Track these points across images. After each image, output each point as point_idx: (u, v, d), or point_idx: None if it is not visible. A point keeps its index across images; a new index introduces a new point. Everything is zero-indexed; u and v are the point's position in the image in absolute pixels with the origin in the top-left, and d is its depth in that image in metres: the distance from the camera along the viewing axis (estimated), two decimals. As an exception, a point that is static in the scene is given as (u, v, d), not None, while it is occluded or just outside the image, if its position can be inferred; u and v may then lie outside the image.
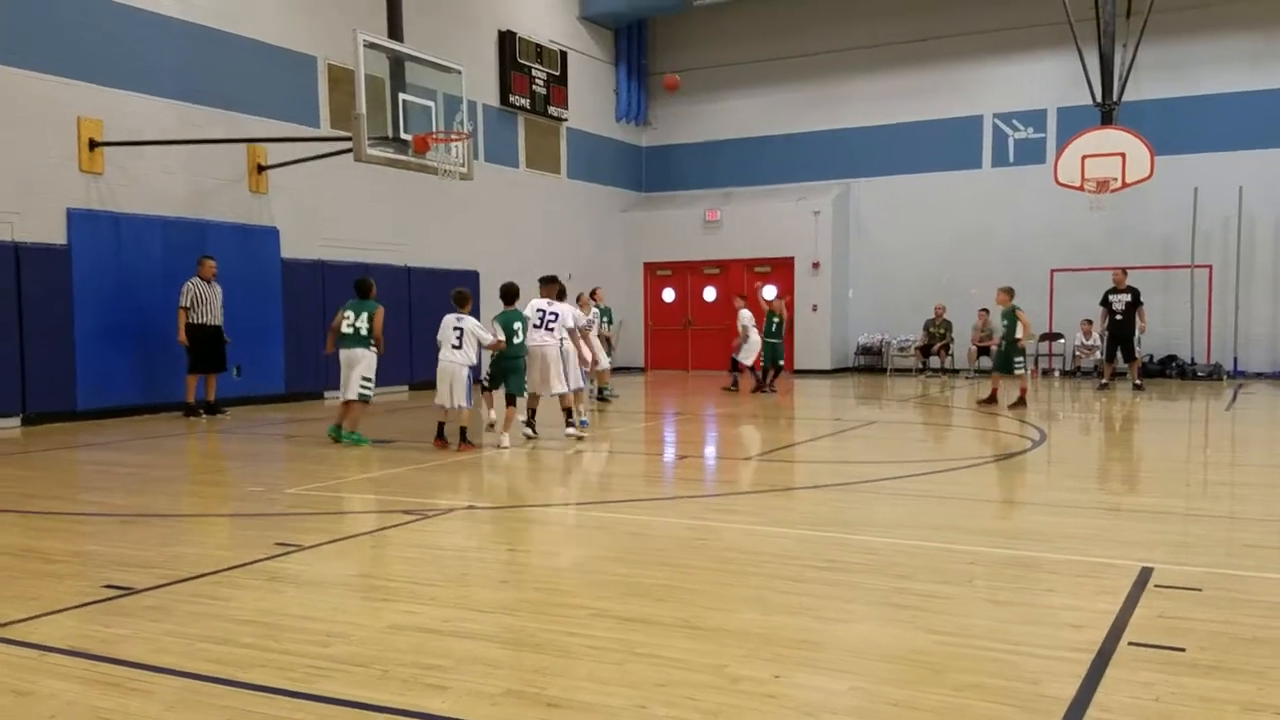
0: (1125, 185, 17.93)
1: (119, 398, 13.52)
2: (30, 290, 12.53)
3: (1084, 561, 5.54)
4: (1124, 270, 18.13)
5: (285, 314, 15.66)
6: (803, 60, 23.27)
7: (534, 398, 10.95)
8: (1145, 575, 5.13)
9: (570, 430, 10.96)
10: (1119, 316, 17.62)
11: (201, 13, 14.66)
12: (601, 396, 15.50)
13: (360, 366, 10.70)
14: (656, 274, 24.56)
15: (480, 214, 19.59)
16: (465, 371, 10.21)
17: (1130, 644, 4.09)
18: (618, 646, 4.12)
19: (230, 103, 15.01)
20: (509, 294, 10.73)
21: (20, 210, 12.54)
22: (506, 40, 20.56)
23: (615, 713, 3.46)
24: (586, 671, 3.85)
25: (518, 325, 10.58)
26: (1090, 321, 19.53)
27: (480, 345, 10.41)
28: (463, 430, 10.26)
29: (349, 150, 12.45)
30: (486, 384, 11.03)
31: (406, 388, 17.55)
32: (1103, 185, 17.98)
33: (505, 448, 10.32)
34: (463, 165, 13.45)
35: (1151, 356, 19.83)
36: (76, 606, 4.76)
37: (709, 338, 23.92)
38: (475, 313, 11.31)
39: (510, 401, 10.76)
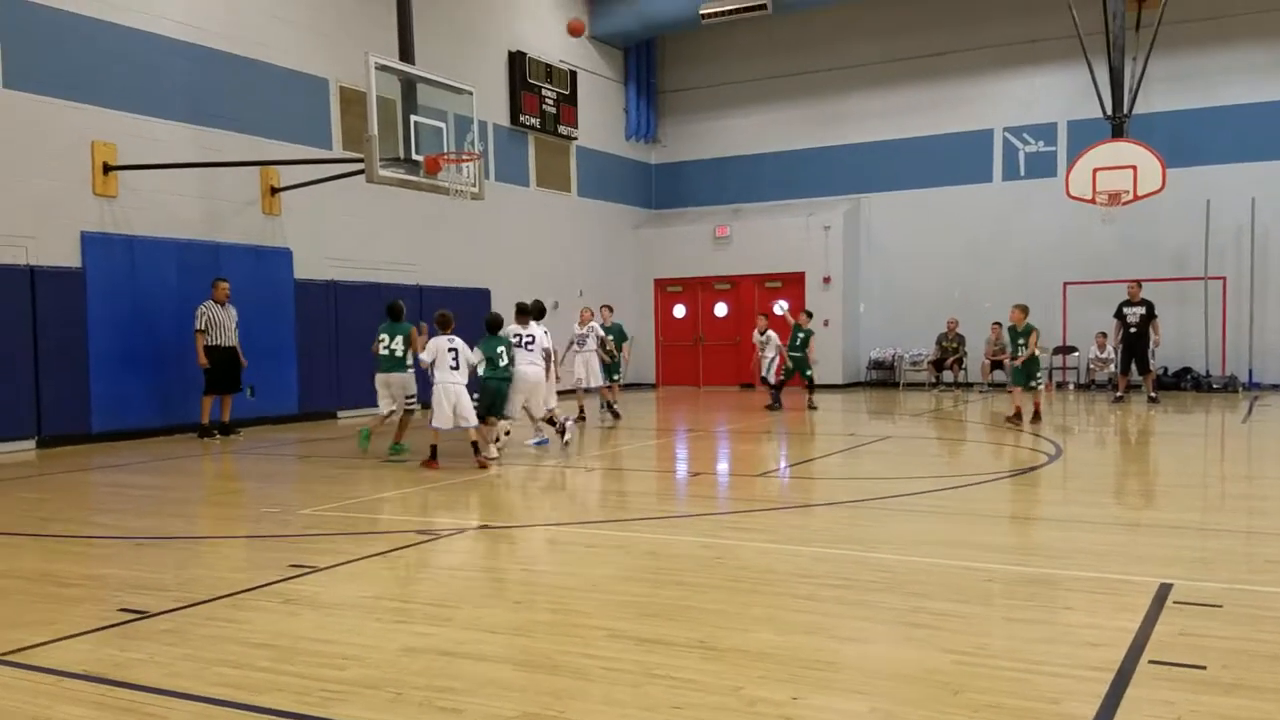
0: (1137, 198, 17.87)
1: (133, 420, 13.57)
2: (45, 313, 12.60)
3: (1102, 578, 5.50)
4: (1138, 283, 18.07)
5: (298, 334, 15.72)
6: (812, 76, 23.32)
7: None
8: (1164, 592, 5.09)
9: (567, 437, 11.66)
10: (1133, 329, 17.55)
11: (214, 37, 14.78)
12: (614, 412, 15.49)
13: (396, 387, 11.37)
14: (667, 290, 24.57)
15: (491, 233, 19.65)
16: (465, 391, 10.41)
17: (1150, 662, 4.05)
18: (633, 668, 4.10)
19: (243, 126, 15.11)
20: (493, 324, 11.19)
21: (35, 234, 12.63)
22: (516, 60, 20.66)
23: (631, 736, 3.43)
24: (602, 694, 3.83)
25: (501, 349, 11.01)
26: (1104, 334, 19.45)
27: (470, 365, 10.62)
28: (475, 445, 10.35)
29: (361, 172, 12.50)
30: (482, 414, 11.15)
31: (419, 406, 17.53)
32: (1114, 198, 17.92)
33: (494, 458, 10.69)
34: (474, 185, 13.50)
35: (1166, 369, 19.73)
36: (91, 631, 4.76)
37: (720, 353, 23.90)
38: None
39: (484, 420, 11.01)
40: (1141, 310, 17.57)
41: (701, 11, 21.84)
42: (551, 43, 21.84)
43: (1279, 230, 19.46)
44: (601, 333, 15.43)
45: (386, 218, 17.19)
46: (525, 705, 3.73)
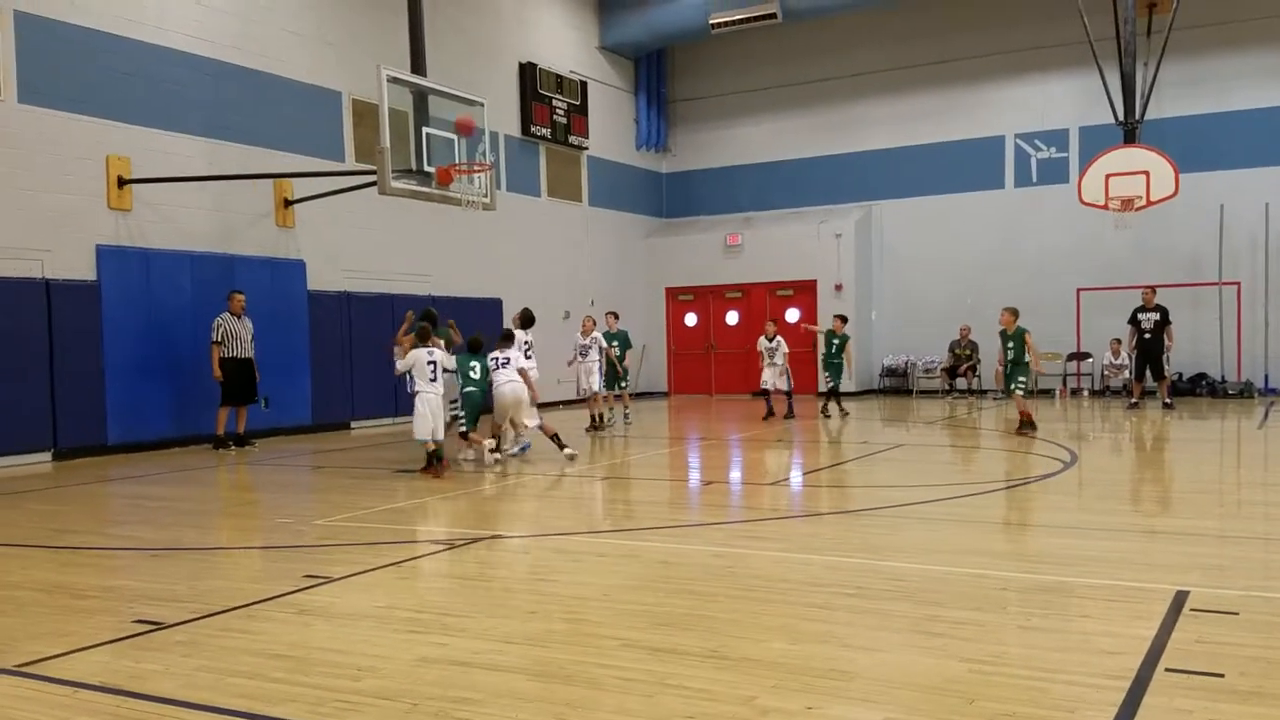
0: (1150, 203, 17.80)
1: (149, 431, 13.64)
2: (61, 326, 12.69)
3: (1118, 586, 5.47)
4: (1153, 289, 18.00)
5: (312, 346, 15.79)
6: (822, 84, 23.34)
7: (495, 425, 11.78)
8: (1181, 599, 5.06)
9: (568, 450, 11.66)
10: (1148, 335, 17.48)
11: (228, 50, 14.89)
12: (600, 423, 15.35)
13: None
14: (678, 299, 24.58)
15: (503, 243, 19.70)
16: (443, 401, 10.68)
17: (1167, 670, 4.03)
18: (647, 678, 4.09)
19: (257, 139, 15.21)
20: (473, 346, 11.43)
21: (51, 247, 12.73)
22: (527, 71, 20.74)
23: (645, 745, 3.43)
24: (616, 704, 3.83)
25: (474, 364, 11.26)
26: (1119, 340, 19.36)
27: (446, 372, 10.83)
28: (437, 455, 10.57)
29: (374, 183, 12.56)
30: (464, 428, 11.33)
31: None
32: (1127, 204, 17.85)
33: (496, 454, 11.36)
34: (485, 196, 13.54)
35: (1181, 375, 19.63)
36: (107, 642, 4.78)
37: (732, 361, 23.89)
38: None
39: (465, 436, 11.42)
40: (1156, 316, 17.50)
41: (711, 21, 21.89)
42: (562, 53, 21.93)
43: (1293, 235, 19.37)
44: (604, 342, 15.37)
45: (399, 229, 17.26)
46: (540, 715, 3.73)
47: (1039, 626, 4.78)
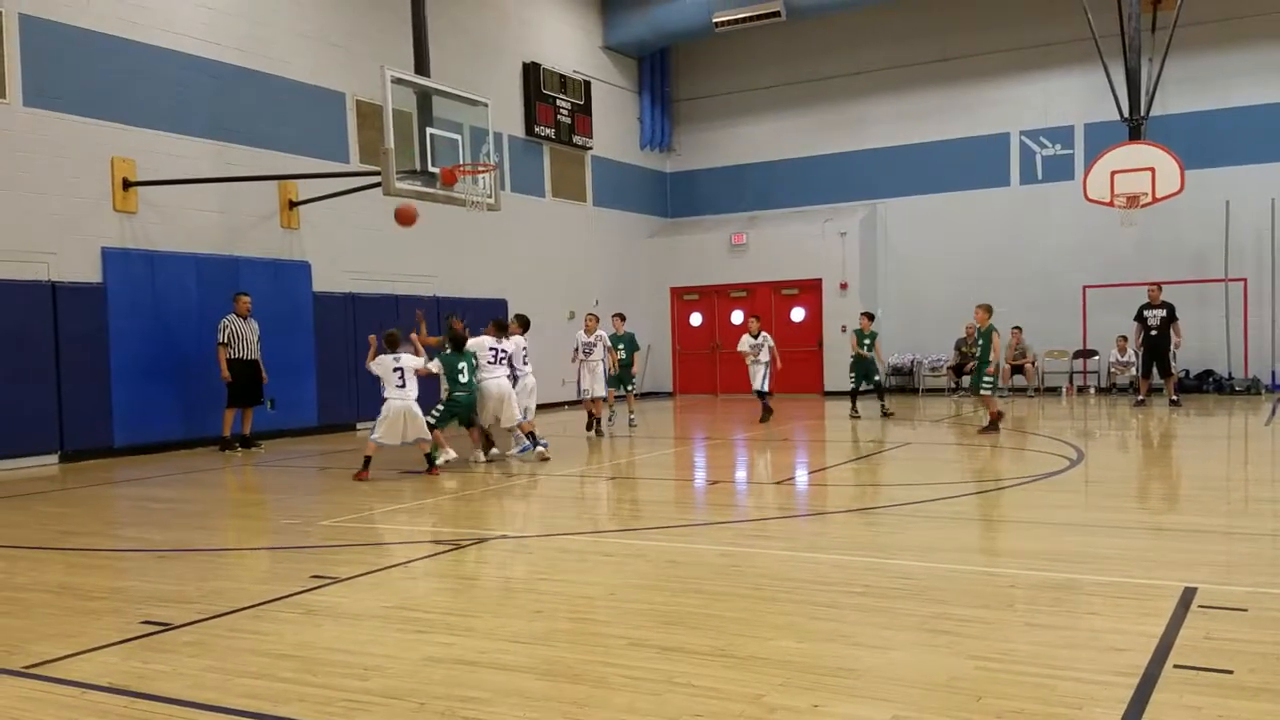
0: (1155, 200, 17.77)
1: (155, 433, 13.67)
2: (66, 328, 12.72)
3: (1126, 583, 5.46)
4: (1159, 285, 17.97)
5: (317, 347, 15.81)
6: (826, 82, 23.31)
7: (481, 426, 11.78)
8: (1189, 596, 5.04)
9: (539, 448, 11.70)
10: (1154, 332, 17.45)
11: (232, 53, 14.91)
12: (598, 430, 14.97)
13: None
14: (683, 299, 24.57)
15: (508, 243, 19.71)
16: (415, 406, 10.63)
17: (1176, 667, 4.02)
18: (655, 676, 4.09)
19: (261, 140, 15.23)
20: (456, 341, 11.33)
21: (56, 250, 12.76)
22: (531, 71, 20.75)
23: (653, 744, 3.43)
24: (624, 703, 3.82)
25: (463, 365, 11.18)
26: (1125, 338, 19.32)
27: (418, 375, 10.74)
28: (429, 457, 10.68)
29: (378, 184, 12.58)
30: (434, 422, 11.20)
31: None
32: (1133, 200, 17.83)
33: (483, 461, 11.56)
34: (490, 196, 13.55)
35: (1188, 372, 19.58)
36: (115, 643, 4.79)
37: (737, 361, 23.74)
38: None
39: (468, 426, 11.60)
40: (1162, 313, 17.46)
41: (715, 19, 21.88)
42: (565, 53, 21.94)
43: (1300, 231, 19.32)
44: (609, 343, 15.15)
45: (403, 230, 17.21)
46: (547, 714, 3.73)
47: (1047, 624, 4.77)
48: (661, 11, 22.62)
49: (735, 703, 3.77)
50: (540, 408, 18.44)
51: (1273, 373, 19.49)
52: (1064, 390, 20.67)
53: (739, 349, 16.73)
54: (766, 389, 16.42)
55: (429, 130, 12.89)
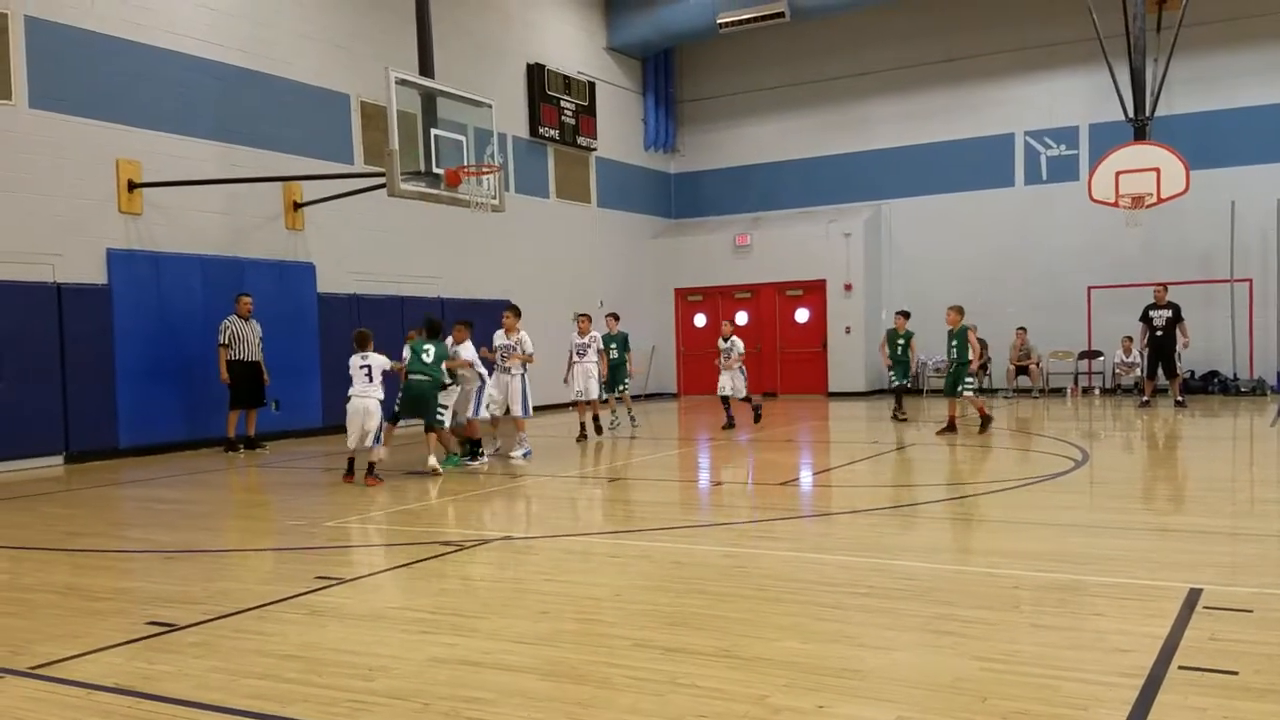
0: (1161, 200, 17.73)
1: (160, 434, 13.69)
2: (72, 330, 12.74)
3: (1131, 584, 5.45)
4: (1164, 286, 17.94)
5: (322, 348, 15.81)
6: (830, 83, 23.30)
7: (471, 426, 11.58)
8: (1194, 597, 5.04)
9: (481, 461, 11.36)
10: (1160, 332, 17.43)
11: (236, 54, 14.93)
12: (597, 428, 14.69)
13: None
14: (688, 300, 24.57)
15: (512, 244, 19.72)
16: (377, 406, 10.36)
17: (1181, 668, 4.01)
18: (659, 677, 4.09)
19: (266, 142, 15.25)
20: (432, 329, 10.95)
21: (61, 251, 12.78)
22: (535, 73, 20.76)
23: (657, 745, 3.43)
24: (629, 703, 3.83)
25: (429, 348, 10.68)
26: (1130, 338, 19.29)
27: (384, 374, 10.52)
28: (370, 465, 10.25)
29: (383, 186, 12.59)
30: (392, 416, 10.86)
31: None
32: (1138, 201, 17.79)
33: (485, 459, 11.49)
34: (494, 197, 13.55)
35: (1193, 372, 19.54)
36: (120, 644, 4.80)
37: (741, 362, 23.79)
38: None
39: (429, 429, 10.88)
40: (1168, 313, 17.43)
41: (719, 20, 21.87)
42: (569, 54, 21.95)
43: (1305, 231, 19.28)
44: (601, 344, 14.82)
45: (408, 231, 17.29)
46: (551, 715, 3.73)
47: (1051, 625, 4.76)
48: (665, 12, 22.63)
49: (739, 704, 3.77)
50: (544, 409, 18.50)
51: (1278, 373, 19.44)
52: (1069, 391, 20.64)
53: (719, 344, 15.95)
54: (745, 394, 15.62)
55: (433, 131, 12.90)
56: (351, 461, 10.43)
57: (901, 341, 16.23)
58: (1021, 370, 20.52)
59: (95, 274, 13.16)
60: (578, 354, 14.50)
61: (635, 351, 16.67)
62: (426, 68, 13.42)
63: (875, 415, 18.07)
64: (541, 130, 20.84)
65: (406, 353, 10.83)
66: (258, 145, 15.13)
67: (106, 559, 7.16)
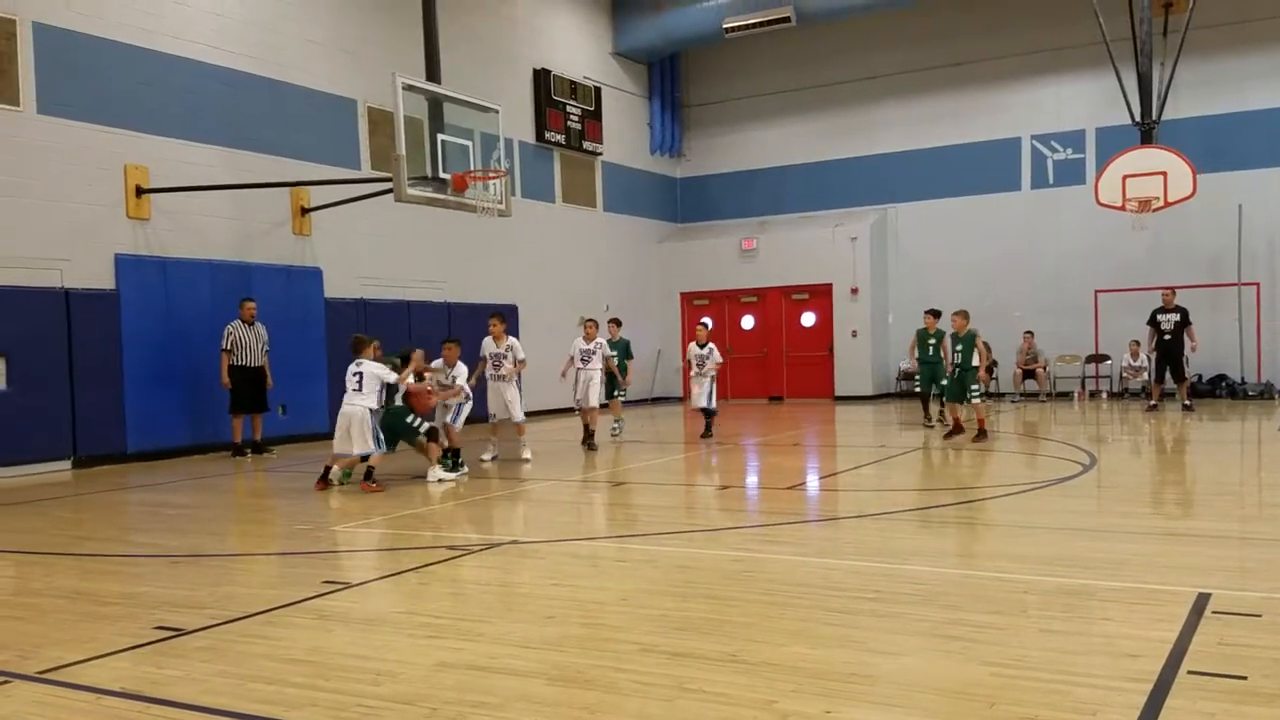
0: (1168, 204, 17.69)
1: (168, 439, 13.71)
2: (80, 335, 12.78)
3: (1139, 588, 5.43)
4: (1173, 289, 17.90)
5: (329, 353, 15.82)
6: (837, 87, 23.31)
7: (450, 433, 11.38)
8: (1203, 601, 5.02)
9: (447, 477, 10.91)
10: (1168, 336, 17.39)
11: (244, 60, 14.98)
12: (590, 443, 14.22)
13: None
14: (694, 304, 24.57)
15: (519, 249, 19.75)
16: (366, 413, 10.22)
17: (1190, 672, 4.00)
18: (666, 682, 4.09)
19: (273, 147, 15.30)
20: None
21: (70, 256, 12.83)
22: (541, 78, 20.80)
23: (665, 750, 3.42)
24: (636, 708, 3.82)
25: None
26: (1138, 342, 19.25)
27: (384, 385, 10.37)
28: (369, 470, 10.15)
29: (389, 191, 12.60)
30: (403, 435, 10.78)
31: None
32: (1145, 204, 17.75)
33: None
34: (501, 202, 13.57)
35: (1200, 376, 19.50)
36: (128, 649, 4.81)
37: (747, 367, 23.85)
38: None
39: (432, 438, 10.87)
40: (1176, 317, 17.39)
41: (725, 25, 21.90)
42: (576, 59, 21.98)
43: (1313, 234, 19.23)
44: (609, 350, 14.57)
45: (415, 236, 17.32)
46: (558, 720, 3.73)
47: (1060, 629, 4.75)
48: (671, 17, 22.66)
49: (747, 709, 3.76)
50: (549, 413, 18.48)
51: (1287, 377, 19.39)
52: (1076, 395, 20.60)
53: (687, 357, 15.49)
54: (713, 405, 14.95)
55: (440, 136, 12.91)
56: (328, 469, 10.35)
57: (933, 341, 15.47)
58: (1028, 374, 20.50)
59: (104, 279, 13.20)
60: (582, 360, 14.24)
61: (640, 356, 16.57)
62: (433, 73, 13.44)
63: (882, 419, 18.04)
64: (548, 135, 20.87)
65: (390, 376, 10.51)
66: (265, 151, 15.18)
67: (114, 564, 7.18)
